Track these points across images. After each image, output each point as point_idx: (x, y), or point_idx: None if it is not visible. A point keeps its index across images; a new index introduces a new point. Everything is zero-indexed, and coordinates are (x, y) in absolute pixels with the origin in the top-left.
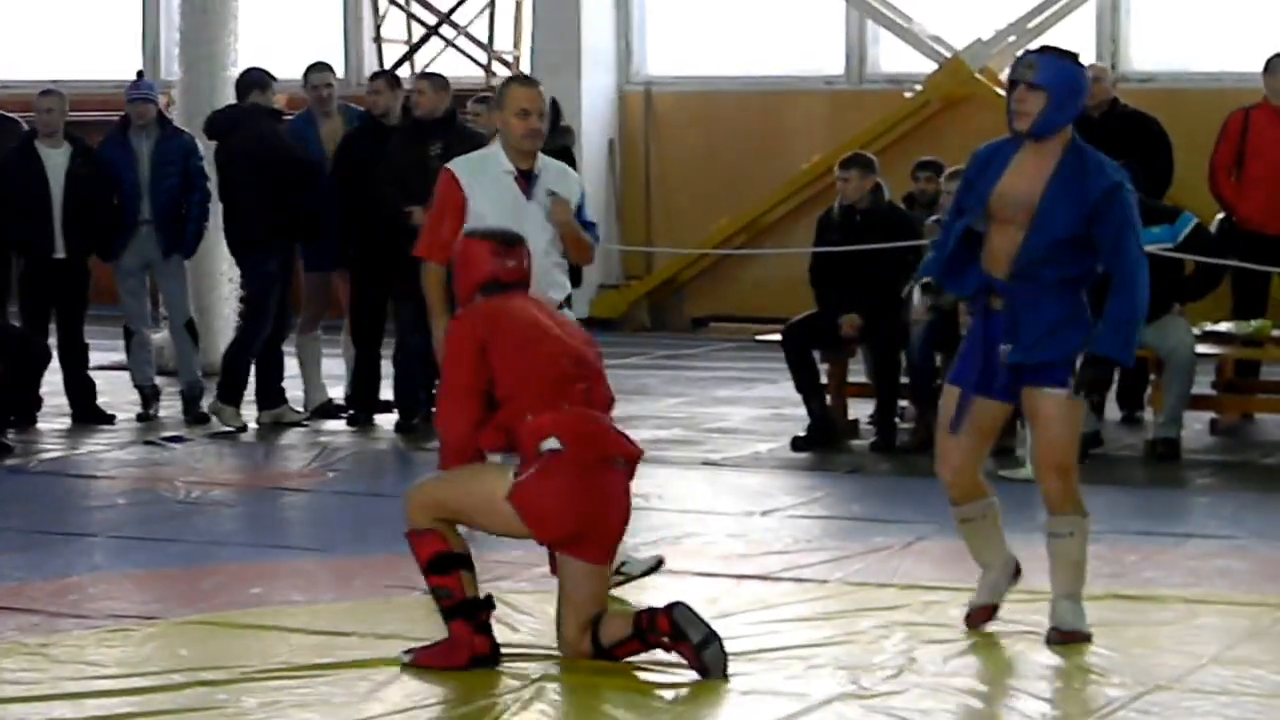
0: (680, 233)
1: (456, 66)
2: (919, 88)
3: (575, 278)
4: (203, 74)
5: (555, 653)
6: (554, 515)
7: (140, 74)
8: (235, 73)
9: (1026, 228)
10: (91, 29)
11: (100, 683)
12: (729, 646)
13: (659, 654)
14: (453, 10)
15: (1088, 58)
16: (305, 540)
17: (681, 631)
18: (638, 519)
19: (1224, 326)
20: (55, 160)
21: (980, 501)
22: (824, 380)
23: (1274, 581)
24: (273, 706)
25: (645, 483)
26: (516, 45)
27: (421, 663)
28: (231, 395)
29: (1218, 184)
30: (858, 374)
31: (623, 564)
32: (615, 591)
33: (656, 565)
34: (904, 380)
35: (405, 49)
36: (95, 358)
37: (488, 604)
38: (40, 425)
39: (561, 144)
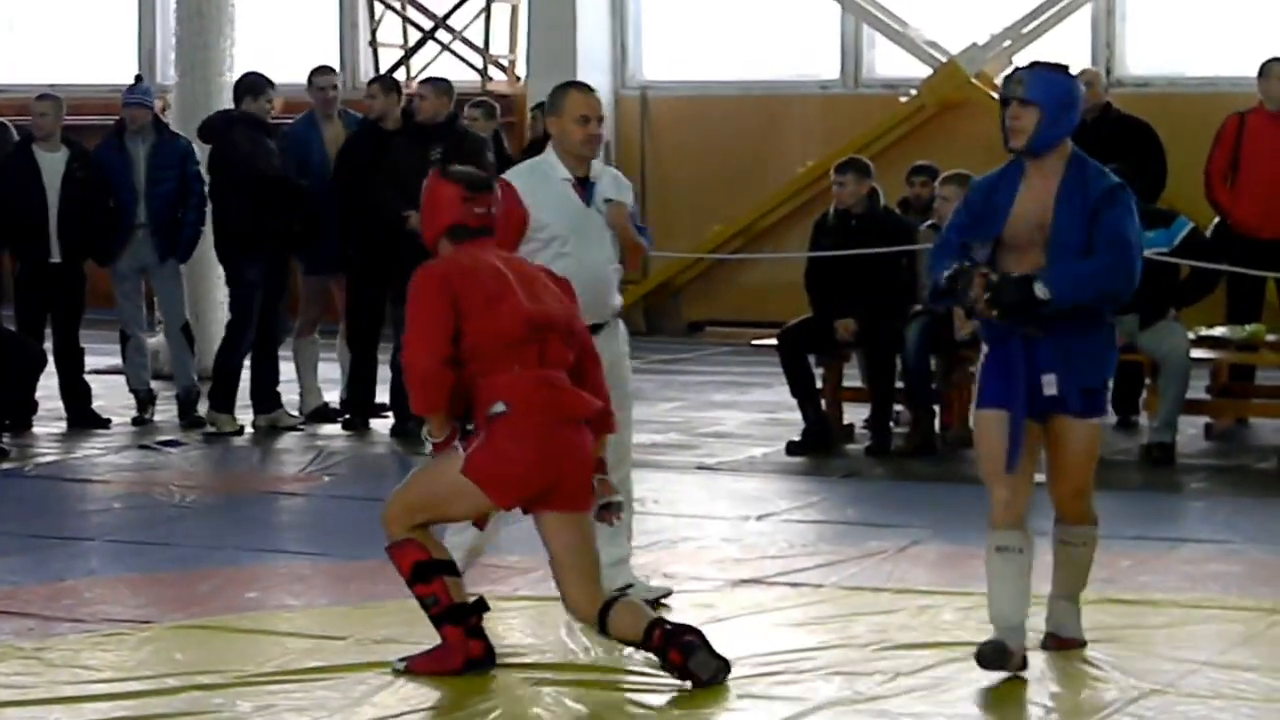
0: (676, 237)
1: (452, 71)
2: (914, 92)
3: None
4: (199, 78)
5: (551, 657)
6: (507, 480)
7: (139, 78)
8: (231, 77)
9: (1045, 250)
10: (89, 33)
11: (95, 687)
12: (725, 650)
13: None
14: (448, 15)
15: (1083, 63)
16: (301, 544)
17: (691, 673)
18: (636, 523)
19: (1219, 331)
20: (52, 164)
21: (1022, 533)
22: (819, 385)
23: (1268, 586)
24: (268, 710)
25: (641, 487)
26: (512, 49)
27: (416, 669)
28: (223, 402)
29: (1213, 189)
30: (853, 378)
31: (629, 586)
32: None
33: (663, 595)
34: (899, 385)
35: (401, 53)
36: (91, 362)
37: (478, 607)
38: (36, 429)
39: None
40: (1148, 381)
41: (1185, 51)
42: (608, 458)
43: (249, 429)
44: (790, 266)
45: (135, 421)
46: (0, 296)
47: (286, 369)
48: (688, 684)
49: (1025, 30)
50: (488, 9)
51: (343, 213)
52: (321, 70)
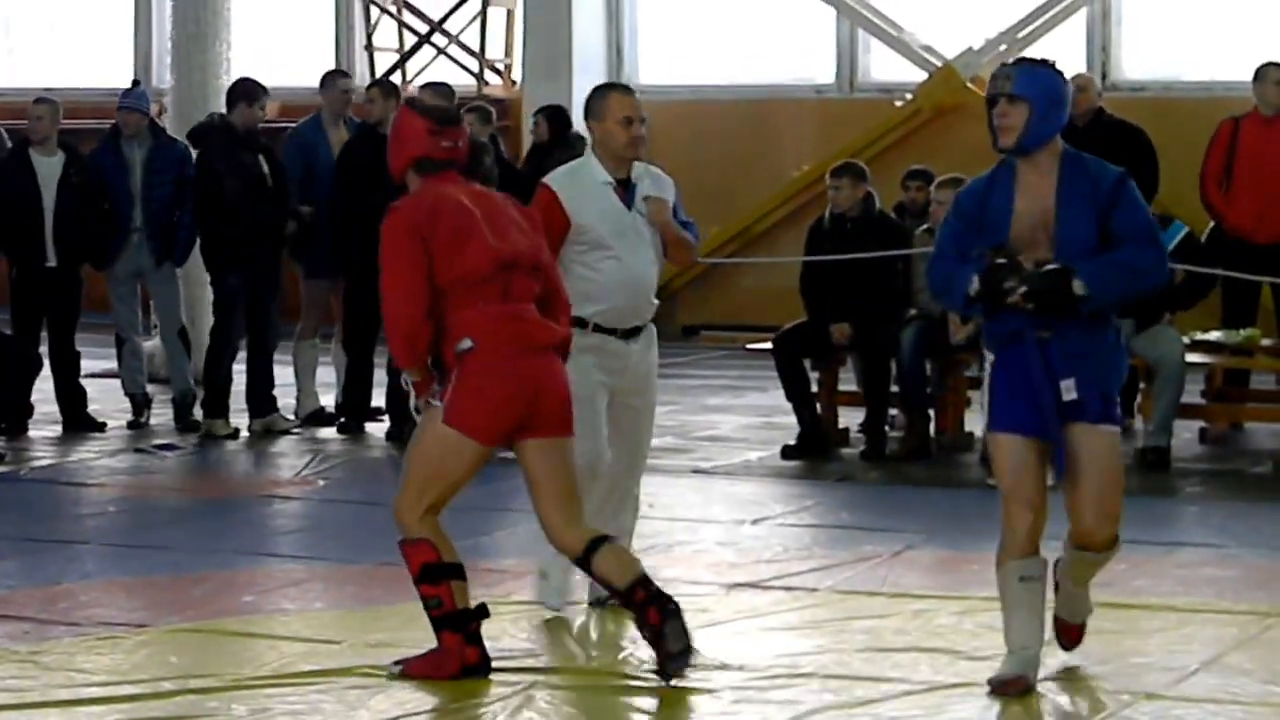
0: None
1: (448, 75)
2: (910, 97)
3: None
4: (195, 82)
5: (546, 661)
6: (485, 417)
7: (136, 82)
8: (228, 81)
9: (1052, 249)
10: (85, 37)
11: (90, 690)
12: (721, 655)
13: (650, 655)
14: (444, 19)
15: (1078, 67)
16: (296, 548)
17: (663, 637)
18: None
19: (1214, 335)
20: (48, 168)
21: (1041, 559)
22: (814, 389)
23: (1262, 590)
24: (263, 714)
25: None
26: (508, 53)
27: (411, 672)
28: (216, 408)
29: (1207, 193)
30: (848, 382)
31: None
32: None
33: None
34: (894, 389)
35: (397, 57)
36: (86, 365)
37: (479, 614)
38: (31, 433)
39: (580, 154)
40: (1143, 386)
41: (1180, 56)
42: (624, 462)
43: (244, 433)
44: (785, 270)
45: (131, 425)
46: None
47: (283, 373)
48: (654, 657)
49: (1021, 35)
50: (484, 13)
51: (342, 216)
52: (339, 73)
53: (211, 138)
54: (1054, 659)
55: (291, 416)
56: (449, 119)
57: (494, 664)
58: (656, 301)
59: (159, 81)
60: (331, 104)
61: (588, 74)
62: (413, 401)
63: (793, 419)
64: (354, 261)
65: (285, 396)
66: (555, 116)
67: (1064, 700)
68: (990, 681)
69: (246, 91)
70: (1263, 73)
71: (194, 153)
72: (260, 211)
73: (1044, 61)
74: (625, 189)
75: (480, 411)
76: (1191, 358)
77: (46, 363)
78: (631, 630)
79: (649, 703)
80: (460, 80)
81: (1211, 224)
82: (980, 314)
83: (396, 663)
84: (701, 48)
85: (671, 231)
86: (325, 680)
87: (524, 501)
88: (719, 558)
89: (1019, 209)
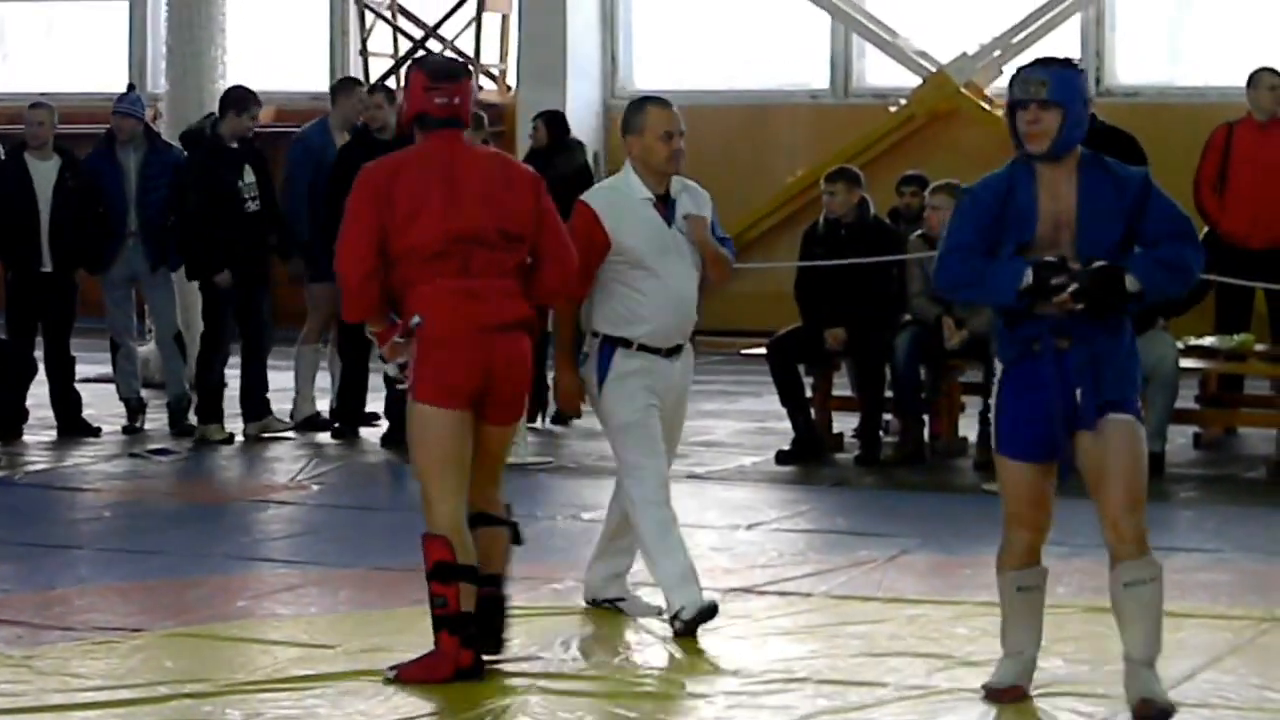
0: None
1: None
2: (904, 102)
3: None
4: (189, 87)
5: (541, 666)
6: (449, 383)
7: (131, 87)
8: (223, 85)
9: (1073, 251)
10: (80, 41)
11: (85, 695)
12: (716, 660)
13: (645, 660)
14: (439, 24)
15: None
16: (291, 553)
17: (480, 634)
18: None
19: (1208, 341)
20: (44, 173)
21: (1040, 568)
22: (809, 394)
23: (1257, 594)
24: (257, 719)
25: None
26: (503, 59)
27: (406, 677)
28: (209, 414)
29: (1201, 199)
30: (842, 388)
31: (620, 599)
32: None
33: (656, 614)
34: (889, 394)
35: (391, 62)
36: (81, 370)
37: (480, 619)
38: (26, 437)
39: (581, 161)
40: None
41: (1175, 61)
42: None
43: (239, 437)
44: (780, 276)
45: (125, 430)
46: None
47: (277, 377)
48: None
49: (1015, 40)
50: (478, 18)
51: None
52: (354, 81)
53: (193, 148)
54: (1047, 663)
55: (287, 420)
56: (445, 74)
57: (490, 668)
58: (696, 318)
59: (154, 86)
60: (345, 111)
61: (582, 79)
62: (378, 352)
63: (787, 424)
64: None
65: (284, 401)
66: (554, 121)
67: (1058, 705)
68: (985, 688)
69: (235, 100)
70: (1256, 78)
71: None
72: (239, 221)
73: (1067, 61)
74: (665, 204)
75: (441, 380)
76: (1185, 363)
77: (41, 367)
78: (627, 634)
79: (644, 707)
80: None
81: (1205, 230)
82: (1002, 320)
83: (392, 668)
84: (696, 53)
85: (711, 250)
86: (320, 685)
87: (518, 506)
88: (714, 563)
89: (1043, 210)
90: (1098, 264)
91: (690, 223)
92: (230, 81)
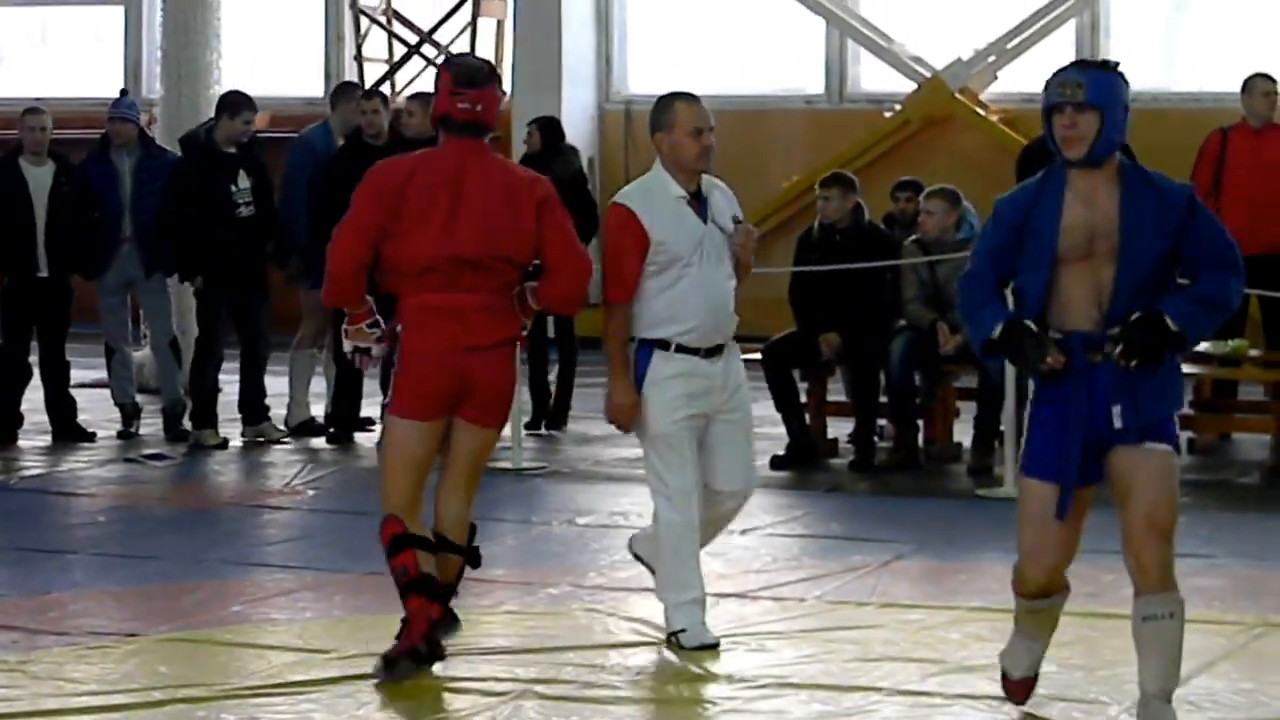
0: None
1: None
2: (899, 107)
3: None
4: (184, 92)
5: (535, 671)
6: (421, 399)
7: (124, 92)
8: (218, 91)
9: (1113, 262)
10: (75, 47)
11: (79, 700)
12: (710, 665)
13: (639, 665)
14: (434, 29)
15: None
16: (285, 558)
17: (409, 651)
18: (616, 537)
19: (1202, 346)
20: (39, 178)
21: (1059, 595)
22: (803, 399)
23: (1250, 600)
24: None
25: (624, 500)
26: (498, 64)
27: (394, 655)
28: (203, 419)
29: None
30: (837, 393)
31: (682, 631)
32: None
33: (713, 645)
34: (883, 399)
35: (386, 68)
36: (76, 375)
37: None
38: (21, 442)
39: (575, 167)
40: None
41: (1170, 66)
42: (737, 479)
43: (235, 442)
44: (775, 281)
45: (120, 435)
46: None
47: (275, 383)
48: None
49: (1010, 46)
50: (473, 23)
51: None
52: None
53: (186, 158)
54: (1042, 668)
55: (282, 428)
56: (469, 79)
57: (484, 674)
58: (737, 317)
59: (149, 91)
60: (345, 115)
61: (577, 84)
62: (345, 328)
63: (782, 429)
64: None
65: (281, 407)
66: (548, 127)
67: (1051, 710)
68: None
69: (229, 104)
70: (1251, 84)
71: None
72: (229, 225)
73: (1105, 63)
74: (698, 202)
75: (413, 395)
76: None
77: (36, 372)
78: (622, 639)
79: (638, 712)
80: None
81: None
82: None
83: (377, 664)
84: (691, 58)
85: (748, 263)
86: (314, 690)
87: (513, 511)
88: (708, 568)
89: (1068, 221)
90: (1134, 315)
91: (741, 233)
92: (225, 87)
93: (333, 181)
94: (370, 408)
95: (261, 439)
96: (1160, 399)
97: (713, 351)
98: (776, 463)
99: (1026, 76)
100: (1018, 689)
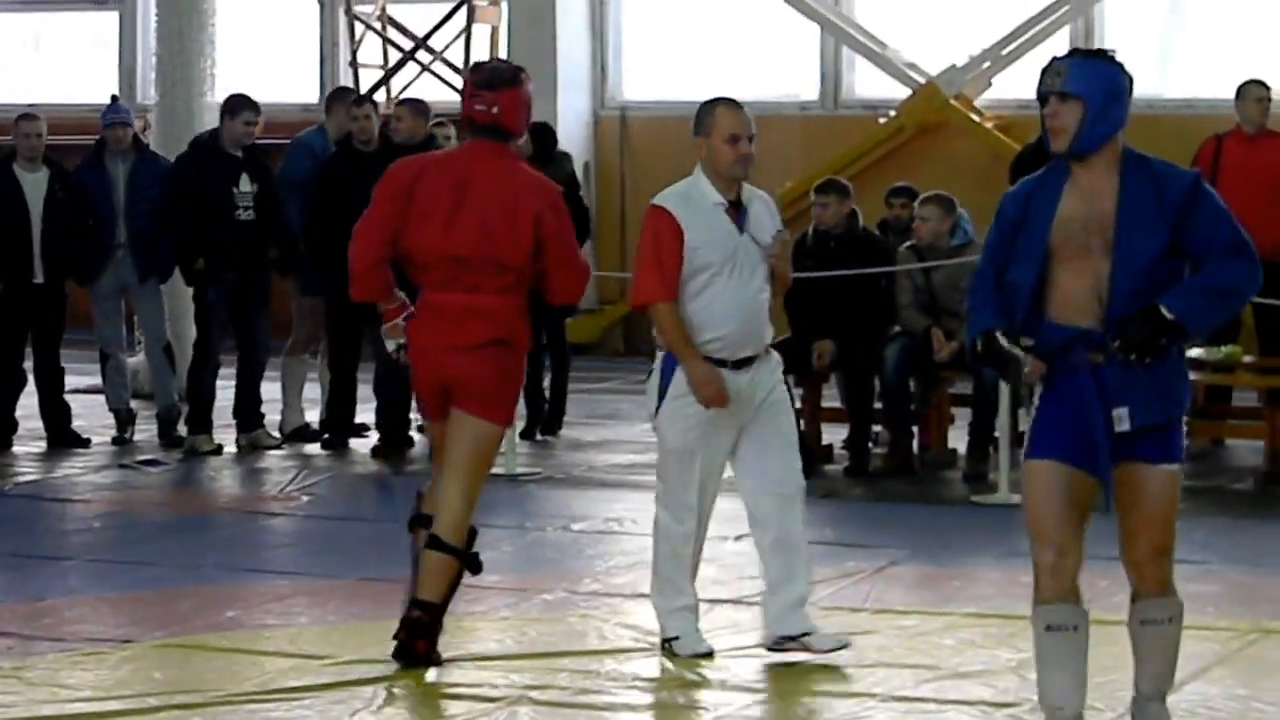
0: None
1: (432, 91)
2: (893, 113)
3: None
4: (179, 98)
5: (530, 678)
6: (420, 400)
7: (115, 97)
8: (212, 97)
9: (1109, 257)
10: (69, 53)
11: (75, 706)
12: (703, 670)
13: (633, 672)
14: (429, 35)
15: None
16: (280, 564)
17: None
18: (611, 543)
19: (1195, 352)
20: (34, 184)
21: (1075, 606)
22: (798, 405)
23: (1244, 606)
24: None
25: (619, 506)
26: None
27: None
28: (199, 424)
29: None
30: (832, 399)
31: (806, 634)
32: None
33: (841, 647)
34: (878, 405)
35: (381, 74)
36: (71, 381)
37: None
38: (15, 448)
39: (568, 171)
40: None
41: (1164, 73)
42: (771, 505)
43: (230, 448)
44: None
45: (115, 441)
46: None
47: (272, 389)
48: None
49: (1004, 52)
50: (468, 30)
51: (321, 233)
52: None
53: (187, 155)
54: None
55: (276, 436)
56: (488, 82)
57: (478, 680)
58: (772, 329)
59: (143, 98)
60: (340, 120)
61: (572, 90)
62: (383, 329)
63: None
64: (335, 278)
65: (274, 413)
66: (540, 133)
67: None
68: None
69: (228, 106)
70: (1244, 90)
71: None
72: (228, 226)
73: (1100, 52)
74: (737, 210)
75: (416, 392)
76: None
77: (31, 378)
78: (616, 646)
79: (633, 719)
80: (445, 97)
81: None
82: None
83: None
84: (686, 64)
85: (785, 275)
86: (309, 695)
87: (508, 517)
88: (702, 573)
89: (1063, 213)
90: (1135, 311)
91: (779, 244)
92: (219, 93)
93: (325, 186)
94: (365, 414)
95: (257, 445)
96: (1163, 401)
97: (742, 363)
98: None
99: (1021, 83)
100: None
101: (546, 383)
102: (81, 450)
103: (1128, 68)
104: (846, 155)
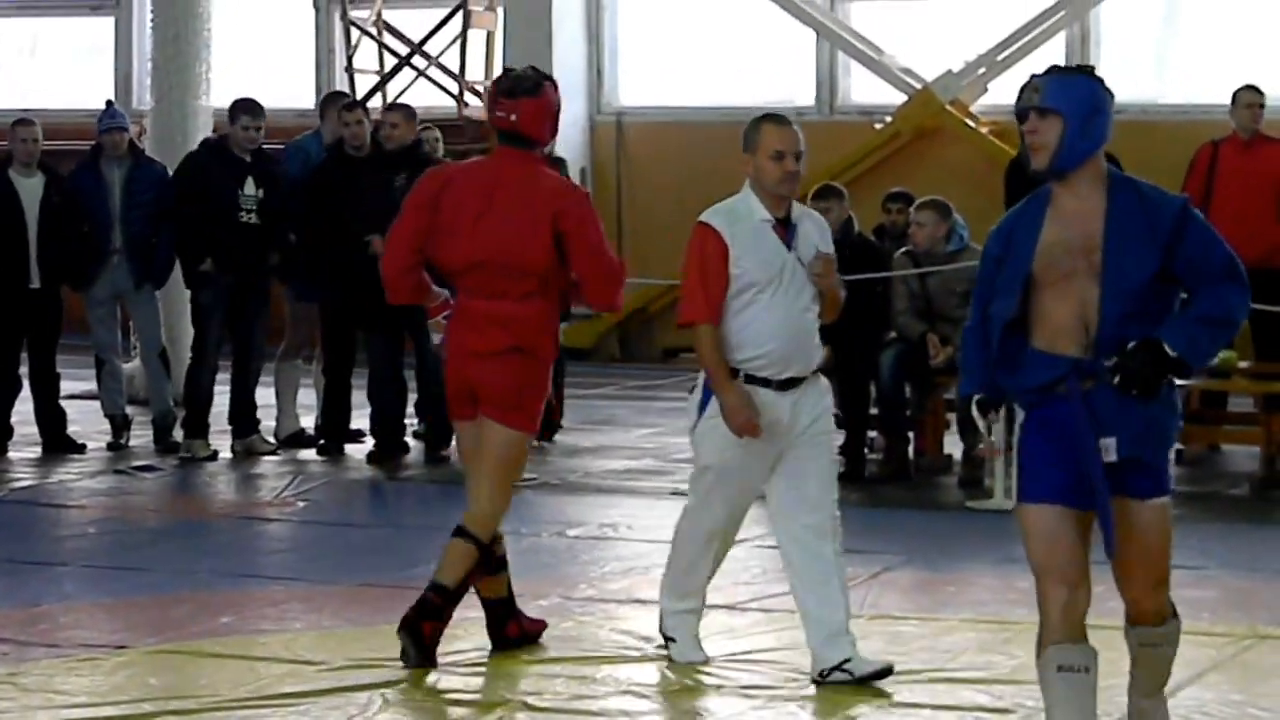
0: (651, 263)
1: (428, 97)
2: (889, 119)
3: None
4: (175, 103)
5: (528, 684)
6: (450, 403)
7: (110, 103)
8: (207, 102)
9: (1095, 280)
10: (64, 59)
11: (70, 712)
12: (700, 676)
13: (629, 677)
14: (424, 40)
15: None
16: (275, 569)
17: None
18: (607, 549)
19: None
20: (30, 190)
21: (1087, 646)
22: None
23: (1240, 611)
24: None
25: (615, 512)
26: (488, 75)
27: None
28: (195, 429)
29: None
30: None
31: (847, 660)
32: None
33: (883, 672)
34: (873, 411)
35: (377, 79)
36: (66, 387)
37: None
38: (10, 454)
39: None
40: None
41: (1160, 79)
42: (811, 527)
43: (225, 454)
44: None
45: (110, 446)
46: None
47: (267, 395)
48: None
49: (1000, 58)
50: (464, 35)
51: (315, 238)
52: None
53: (191, 156)
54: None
55: (271, 441)
56: (505, 90)
57: (474, 686)
58: (822, 351)
59: (139, 103)
60: (334, 125)
61: (568, 95)
62: (428, 322)
63: None
64: (329, 284)
65: (269, 418)
66: None
67: None
68: None
69: (231, 109)
70: (1240, 97)
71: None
72: (231, 227)
73: (1079, 68)
74: (785, 228)
75: (447, 396)
76: None
77: (26, 384)
78: (612, 652)
79: None
80: (441, 102)
81: None
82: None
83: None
84: (682, 69)
85: (834, 294)
86: (304, 701)
87: (504, 523)
88: None
89: (1046, 239)
90: (1130, 344)
91: (821, 263)
92: (215, 98)
93: (316, 191)
94: (360, 420)
95: (252, 451)
96: (1153, 436)
97: (786, 385)
98: None
99: (1017, 89)
100: None
101: None
102: (77, 456)
103: (1118, 78)
104: (842, 161)
